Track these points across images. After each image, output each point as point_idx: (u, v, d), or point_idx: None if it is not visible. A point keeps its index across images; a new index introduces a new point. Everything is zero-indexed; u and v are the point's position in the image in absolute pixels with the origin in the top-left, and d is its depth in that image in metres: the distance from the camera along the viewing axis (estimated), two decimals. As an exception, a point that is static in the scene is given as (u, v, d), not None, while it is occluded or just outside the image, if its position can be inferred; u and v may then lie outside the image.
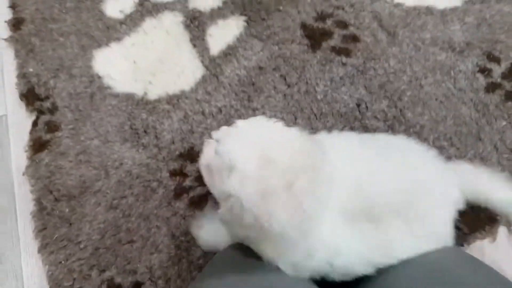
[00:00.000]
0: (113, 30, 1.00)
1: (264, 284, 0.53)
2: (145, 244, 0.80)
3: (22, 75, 0.96)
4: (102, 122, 0.91)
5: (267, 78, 0.94)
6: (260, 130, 0.55)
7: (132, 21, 1.02)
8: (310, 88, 0.93)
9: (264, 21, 1.01)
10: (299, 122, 0.89)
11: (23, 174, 0.88)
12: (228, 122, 0.91)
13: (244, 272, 0.55)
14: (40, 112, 0.93)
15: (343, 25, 0.99)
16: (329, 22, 1.00)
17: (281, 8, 1.02)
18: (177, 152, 0.88)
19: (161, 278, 0.78)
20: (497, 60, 0.94)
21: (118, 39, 1.00)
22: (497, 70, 0.94)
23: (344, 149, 0.60)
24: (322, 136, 0.65)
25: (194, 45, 0.99)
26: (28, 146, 0.90)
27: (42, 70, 0.95)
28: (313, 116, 0.89)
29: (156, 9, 1.03)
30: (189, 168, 0.87)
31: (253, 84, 0.94)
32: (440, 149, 0.85)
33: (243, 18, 1.02)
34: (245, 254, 0.57)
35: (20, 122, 0.94)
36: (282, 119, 0.88)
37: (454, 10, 1.01)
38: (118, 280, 0.78)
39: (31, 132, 0.92)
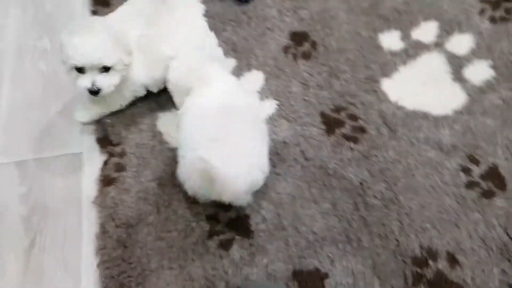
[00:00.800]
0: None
1: None
2: (181, 272, 1.01)
3: (100, 123, 1.22)
4: (158, 168, 1.15)
5: (290, 151, 1.17)
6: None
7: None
8: (323, 164, 1.15)
9: (292, 106, 1.25)
10: (312, 190, 1.12)
11: (92, 202, 1.10)
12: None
13: None
14: (111, 154, 1.17)
15: (354, 118, 1.23)
16: (343, 114, 1.23)
17: (307, 98, 1.27)
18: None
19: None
20: (477, 163, 1.12)
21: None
22: (476, 171, 1.11)
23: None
24: None
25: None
26: (99, 180, 1.13)
27: (117, 123, 1.21)
28: (324, 188, 1.12)
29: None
30: (222, 215, 1.09)
31: (278, 154, 1.17)
32: (424, 230, 1.04)
33: (276, 102, 1.27)
34: None
35: (93, 160, 1.17)
36: (299, 186, 1.12)
37: (445, 117, 1.20)
38: (157, 298, 0.98)
39: (102, 169, 1.15)
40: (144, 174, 1.14)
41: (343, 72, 1.29)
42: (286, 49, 1.36)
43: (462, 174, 1.12)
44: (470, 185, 1.10)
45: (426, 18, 1.41)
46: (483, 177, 1.11)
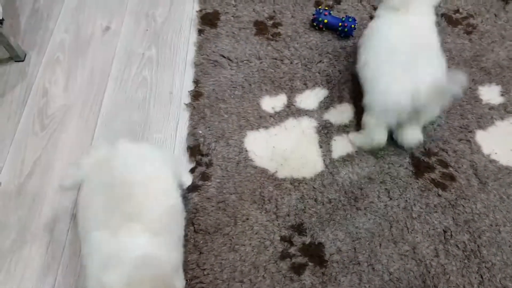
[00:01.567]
0: (264, 120, 1.32)
1: None
2: (251, 287, 1.02)
3: (192, 134, 1.29)
4: (241, 183, 1.19)
5: (374, 188, 1.17)
6: None
7: (279, 117, 1.32)
8: (407, 206, 1.14)
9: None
10: (393, 230, 1.10)
11: (175, 205, 1.16)
12: (333, 214, 1.14)
13: None
14: (199, 163, 1.23)
15: (445, 164, 1.22)
16: (433, 159, 1.23)
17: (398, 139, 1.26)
18: (289, 223, 1.12)
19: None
20: None
21: (266, 127, 1.30)
22: None
23: None
24: None
25: (321, 146, 1.26)
26: (184, 186, 1.20)
27: (208, 134, 1.28)
28: (405, 229, 1.10)
29: (298, 113, 1.33)
30: (296, 238, 1.10)
31: (361, 189, 1.17)
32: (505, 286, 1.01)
33: (363, 136, 1.28)
34: None
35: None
36: (379, 224, 1.11)
37: (541, 178, 1.17)
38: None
39: (188, 176, 1.22)
40: (227, 187, 1.18)
41: (437, 117, 1.28)
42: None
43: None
44: None
45: (529, 76, 1.38)
46: None
